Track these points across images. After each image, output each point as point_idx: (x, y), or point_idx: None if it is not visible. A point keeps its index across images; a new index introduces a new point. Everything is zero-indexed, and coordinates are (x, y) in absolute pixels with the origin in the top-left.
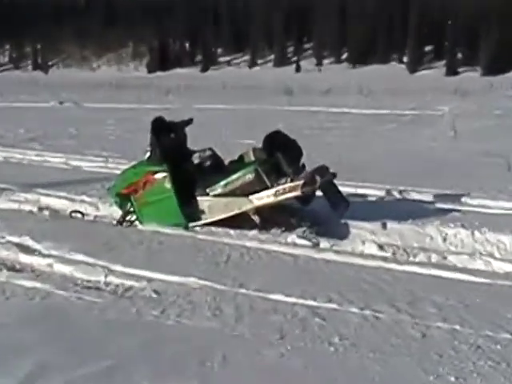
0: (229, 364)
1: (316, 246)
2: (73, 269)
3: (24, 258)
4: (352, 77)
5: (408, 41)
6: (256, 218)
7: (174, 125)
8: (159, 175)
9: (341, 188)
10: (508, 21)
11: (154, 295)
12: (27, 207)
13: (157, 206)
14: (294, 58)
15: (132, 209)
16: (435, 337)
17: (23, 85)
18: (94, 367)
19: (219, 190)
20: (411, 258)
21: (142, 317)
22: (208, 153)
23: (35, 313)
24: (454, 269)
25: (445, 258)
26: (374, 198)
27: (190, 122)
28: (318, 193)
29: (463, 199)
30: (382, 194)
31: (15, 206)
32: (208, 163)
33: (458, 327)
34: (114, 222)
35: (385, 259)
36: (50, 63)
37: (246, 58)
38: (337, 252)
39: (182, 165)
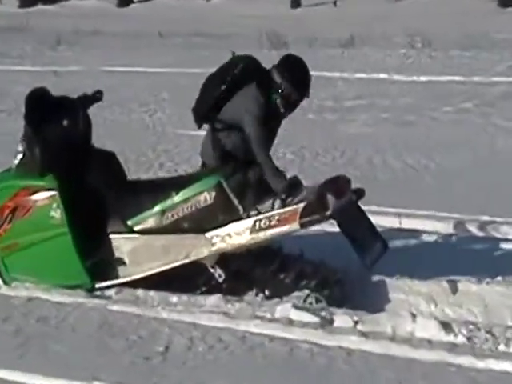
0: None
1: (328, 324)
2: None
3: None
4: (394, 15)
5: None
6: (218, 274)
7: (67, 104)
8: (40, 196)
9: (373, 218)
10: None
11: None
12: None
13: (36, 251)
14: None
15: None
16: None
17: None
18: None
19: (152, 222)
20: (502, 347)
21: None
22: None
23: None
24: None
25: None
26: (433, 237)
27: (96, 98)
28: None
29: None
30: (448, 229)
31: None
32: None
33: None
34: None
35: (454, 349)
36: None
37: None
38: (365, 335)
39: (82, 177)
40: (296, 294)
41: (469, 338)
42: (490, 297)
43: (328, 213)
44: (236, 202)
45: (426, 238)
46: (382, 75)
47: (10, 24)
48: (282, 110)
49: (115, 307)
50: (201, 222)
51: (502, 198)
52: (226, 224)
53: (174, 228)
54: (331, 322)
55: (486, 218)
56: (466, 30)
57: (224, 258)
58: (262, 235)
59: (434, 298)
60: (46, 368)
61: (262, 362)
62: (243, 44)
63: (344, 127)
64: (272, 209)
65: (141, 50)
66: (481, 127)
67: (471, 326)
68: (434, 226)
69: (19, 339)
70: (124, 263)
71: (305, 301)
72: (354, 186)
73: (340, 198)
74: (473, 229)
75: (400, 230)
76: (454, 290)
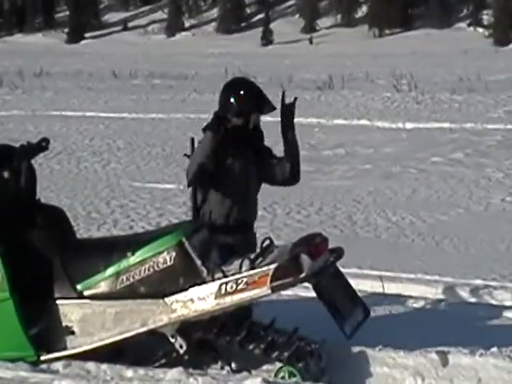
0: None
1: None
2: None
3: None
4: (377, 54)
5: None
6: (179, 344)
7: (8, 154)
8: None
9: (353, 282)
10: None
11: None
12: None
13: None
14: (260, 16)
15: None
16: None
17: None
18: None
19: (104, 287)
20: None
21: None
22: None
23: None
24: None
25: None
26: (420, 303)
27: (41, 147)
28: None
29: None
30: (437, 294)
31: None
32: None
33: None
34: None
35: None
36: None
37: (161, 15)
38: None
39: (25, 235)
40: (266, 367)
41: None
42: (484, 370)
43: (302, 275)
44: (199, 263)
45: (412, 303)
46: (364, 121)
47: None
48: (250, 126)
49: (63, 383)
50: (160, 286)
51: (496, 260)
52: (188, 288)
53: (129, 293)
54: None
55: (478, 281)
56: (457, 70)
57: (186, 327)
58: (228, 300)
59: (421, 372)
60: None
61: None
62: (208, 86)
63: (321, 180)
64: (240, 270)
65: (93, 92)
66: (473, 180)
67: None
68: (420, 291)
69: None
70: (73, 332)
71: (276, 375)
72: (331, 245)
73: (316, 258)
74: (464, 294)
75: (383, 294)
76: (444, 363)
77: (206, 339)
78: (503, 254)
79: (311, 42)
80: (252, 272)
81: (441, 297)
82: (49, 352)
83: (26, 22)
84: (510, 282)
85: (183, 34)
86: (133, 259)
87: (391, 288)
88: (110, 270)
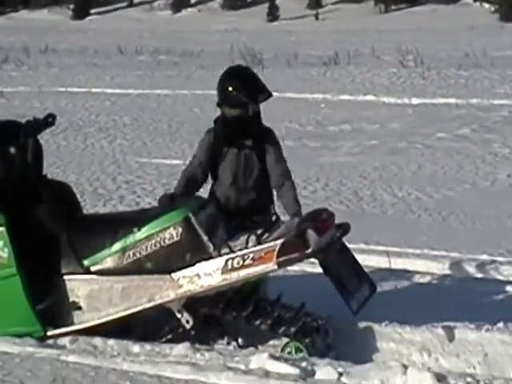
0: None
1: (309, 376)
2: None
3: None
4: (383, 30)
5: None
6: (186, 320)
7: (14, 130)
8: None
9: (359, 257)
10: None
11: None
12: None
13: None
14: None
15: None
16: None
17: None
18: None
19: (111, 262)
20: None
21: None
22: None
23: None
24: None
25: None
26: (426, 278)
27: (48, 123)
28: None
29: None
30: (443, 269)
31: None
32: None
33: None
34: None
35: None
36: None
37: None
38: None
39: (32, 212)
40: (273, 342)
41: None
42: (491, 346)
43: (309, 251)
44: (205, 238)
45: (418, 279)
46: (370, 97)
47: None
48: (250, 114)
49: (70, 358)
50: (166, 262)
51: (503, 235)
52: (195, 263)
53: (136, 268)
54: (313, 373)
55: (485, 257)
56: (463, 46)
57: (192, 302)
58: (234, 276)
59: (428, 347)
60: None
61: None
62: (213, 63)
63: (327, 155)
64: (246, 246)
65: (99, 68)
66: (480, 156)
67: (469, 379)
68: (427, 266)
69: None
70: (79, 308)
71: (283, 350)
72: (337, 220)
73: (322, 234)
74: (471, 269)
75: (390, 270)
76: (451, 338)
77: (213, 314)
78: (510, 229)
79: (317, 18)
80: (258, 247)
81: (447, 272)
82: (56, 327)
83: None
84: None
85: (189, 10)
86: (139, 235)
87: (397, 263)
88: (117, 246)
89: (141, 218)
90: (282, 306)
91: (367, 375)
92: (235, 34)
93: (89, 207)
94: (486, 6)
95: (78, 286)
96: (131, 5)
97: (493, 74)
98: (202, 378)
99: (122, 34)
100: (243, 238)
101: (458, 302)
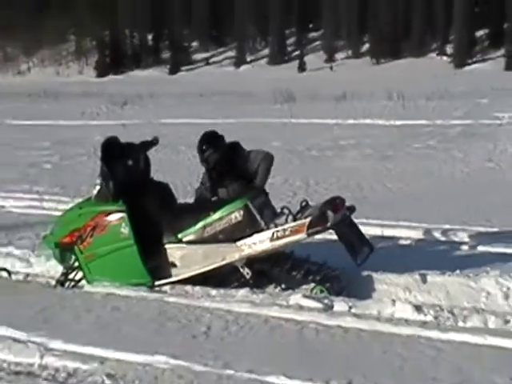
0: None
1: (329, 308)
2: None
3: None
4: (376, 76)
5: (453, 24)
6: (246, 272)
7: (132, 148)
8: (113, 217)
9: (362, 228)
10: None
11: (109, 381)
12: None
13: (110, 258)
14: (297, 53)
15: (77, 264)
16: None
17: None
18: None
19: (195, 235)
20: (460, 323)
21: None
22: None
23: None
24: None
25: (507, 321)
26: (407, 242)
27: (153, 143)
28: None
29: None
30: (418, 235)
31: None
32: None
33: None
34: (53, 283)
35: (424, 325)
36: None
37: (231, 53)
38: (357, 316)
39: (143, 202)
40: (305, 286)
41: (435, 317)
42: (452, 285)
43: (328, 225)
44: (259, 218)
45: (402, 242)
46: (368, 121)
47: (90, 89)
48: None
49: (170, 299)
50: (232, 234)
51: (459, 212)
52: (252, 235)
53: (212, 239)
54: (331, 307)
55: (447, 226)
56: (430, 85)
57: (250, 261)
58: (279, 243)
59: (409, 287)
60: (119, 345)
61: (279, 339)
62: (261, 99)
63: (338, 161)
64: (286, 223)
65: (186, 106)
66: (443, 159)
67: (437, 308)
68: (408, 234)
69: (99, 324)
70: (176, 266)
71: (311, 291)
72: (347, 203)
73: (337, 213)
74: (437, 235)
75: (382, 237)
76: (424, 281)
77: (264, 269)
78: (464, 207)
79: (331, 69)
80: (294, 223)
81: (421, 237)
82: (160, 279)
83: (141, 61)
84: (468, 225)
85: (246, 66)
86: (214, 216)
87: (388, 232)
88: (199, 225)
89: (215, 205)
90: (311, 262)
91: (368, 307)
92: (276, 81)
93: (181, 199)
94: (445, 58)
95: (174, 251)
96: (207, 63)
97: (450, 103)
98: (257, 311)
99: (201, 83)
100: (283, 218)
101: (428, 257)
